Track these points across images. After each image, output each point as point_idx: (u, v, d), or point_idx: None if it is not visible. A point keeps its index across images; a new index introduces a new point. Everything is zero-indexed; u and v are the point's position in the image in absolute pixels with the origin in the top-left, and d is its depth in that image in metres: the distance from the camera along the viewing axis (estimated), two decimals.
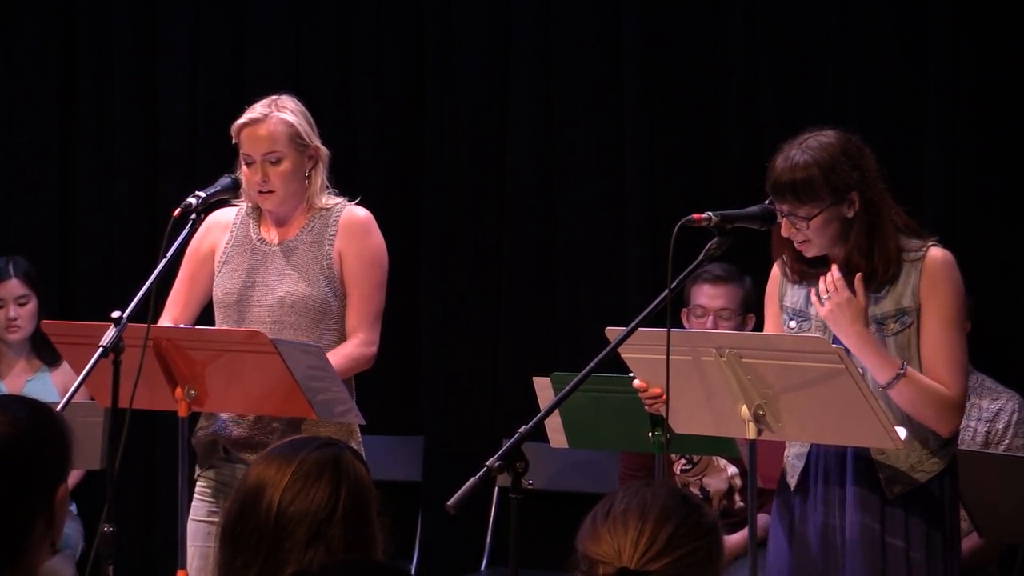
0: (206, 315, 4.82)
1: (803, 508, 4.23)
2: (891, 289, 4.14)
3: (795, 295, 4.27)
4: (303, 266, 4.68)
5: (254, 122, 4.67)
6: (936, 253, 4.15)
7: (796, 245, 4.14)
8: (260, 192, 4.68)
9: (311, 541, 2.65)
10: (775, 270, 4.35)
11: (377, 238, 4.75)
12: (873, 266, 4.11)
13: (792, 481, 4.24)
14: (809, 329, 4.21)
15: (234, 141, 4.71)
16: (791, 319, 4.26)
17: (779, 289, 4.32)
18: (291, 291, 4.66)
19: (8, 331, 6.38)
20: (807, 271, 4.22)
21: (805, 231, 4.10)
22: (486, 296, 6.54)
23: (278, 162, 4.67)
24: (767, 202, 4.15)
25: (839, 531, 4.17)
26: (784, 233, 4.13)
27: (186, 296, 4.81)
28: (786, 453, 4.27)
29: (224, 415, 4.65)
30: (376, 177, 6.53)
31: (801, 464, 4.22)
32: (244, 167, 4.70)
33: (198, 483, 4.74)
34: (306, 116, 4.74)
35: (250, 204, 4.77)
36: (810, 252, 4.16)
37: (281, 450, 2.77)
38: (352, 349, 4.66)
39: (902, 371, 4.05)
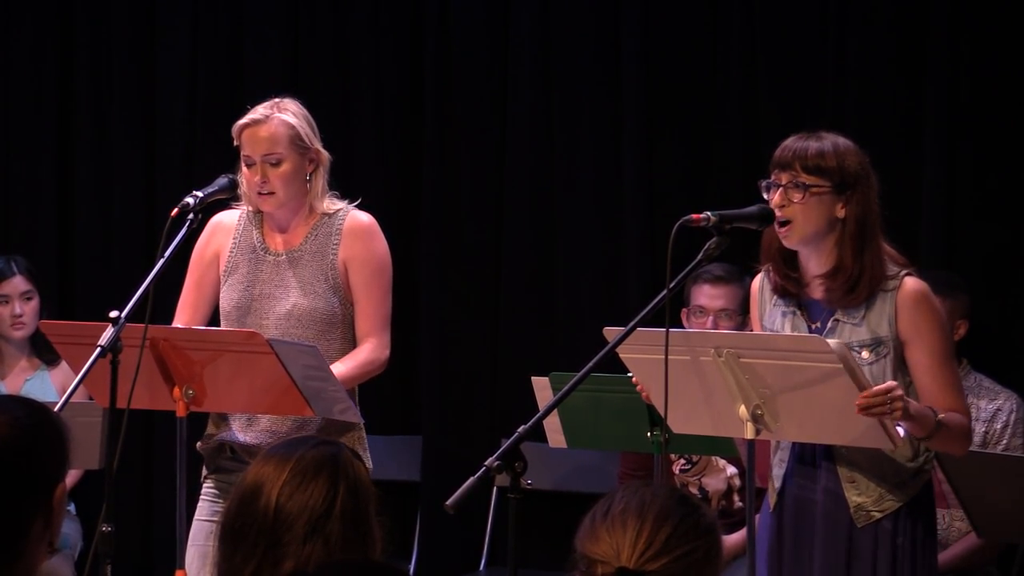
0: (214, 322, 4.81)
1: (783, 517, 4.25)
2: (866, 316, 4.12)
3: (772, 316, 4.26)
4: (308, 277, 4.68)
5: (255, 123, 4.67)
6: (911, 284, 4.13)
7: (778, 227, 4.09)
8: (260, 194, 4.67)
9: (309, 536, 2.67)
10: (753, 290, 4.33)
11: (381, 243, 4.75)
12: (861, 271, 4.10)
13: (772, 497, 4.25)
14: None
15: (235, 142, 4.71)
16: None
17: (759, 309, 4.31)
18: (298, 304, 4.66)
19: (13, 328, 6.38)
20: (790, 278, 4.19)
21: (798, 202, 4.08)
22: (485, 296, 6.54)
23: (278, 164, 4.67)
24: (764, 183, 4.13)
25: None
26: (774, 203, 4.09)
27: (195, 300, 4.81)
28: (771, 461, 4.27)
29: (234, 424, 4.66)
30: (375, 178, 6.52)
31: (780, 480, 4.23)
32: (244, 168, 4.70)
33: (204, 484, 4.74)
34: (308, 119, 4.74)
35: (251, 208, 4.77)
36: (790, 238, 4.12)
37: (279, 449, 2.79)
38: (366, 355, 4.67)
39: (939, 419, 4.05)
